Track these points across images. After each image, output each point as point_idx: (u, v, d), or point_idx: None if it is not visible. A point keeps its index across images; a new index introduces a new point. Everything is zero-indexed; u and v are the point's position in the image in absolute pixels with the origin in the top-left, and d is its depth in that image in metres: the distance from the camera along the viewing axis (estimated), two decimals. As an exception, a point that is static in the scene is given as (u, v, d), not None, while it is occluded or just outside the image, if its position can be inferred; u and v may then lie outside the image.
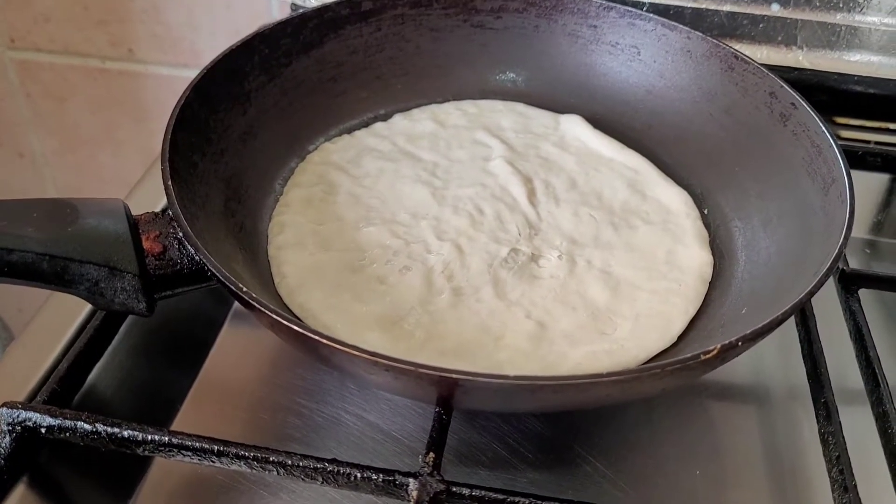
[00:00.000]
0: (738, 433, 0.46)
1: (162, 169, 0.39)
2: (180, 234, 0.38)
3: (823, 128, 0.46)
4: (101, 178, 0.97)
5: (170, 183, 0.39)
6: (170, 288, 0.39)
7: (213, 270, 0.35)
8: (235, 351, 0.48)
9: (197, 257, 0.37)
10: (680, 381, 0.38)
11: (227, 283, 0.34)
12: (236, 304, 0.51)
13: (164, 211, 0.40)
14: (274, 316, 0.33)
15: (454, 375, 0.31)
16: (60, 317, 0.46)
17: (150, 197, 0.55)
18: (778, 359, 0.50)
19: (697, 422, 0.46)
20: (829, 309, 0.50)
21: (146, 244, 0.38)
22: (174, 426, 0.43)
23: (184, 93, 0.45)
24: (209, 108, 0.47)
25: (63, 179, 0.98)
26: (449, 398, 0.35)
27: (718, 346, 0.33)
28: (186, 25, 0.82)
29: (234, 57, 0.50)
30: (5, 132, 0.94)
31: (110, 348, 0.44)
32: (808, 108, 0.47)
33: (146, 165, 0.94)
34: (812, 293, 0.36)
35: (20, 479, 0.39)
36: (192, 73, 0.84)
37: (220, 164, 0.46)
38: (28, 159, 0.96)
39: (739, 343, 0.33)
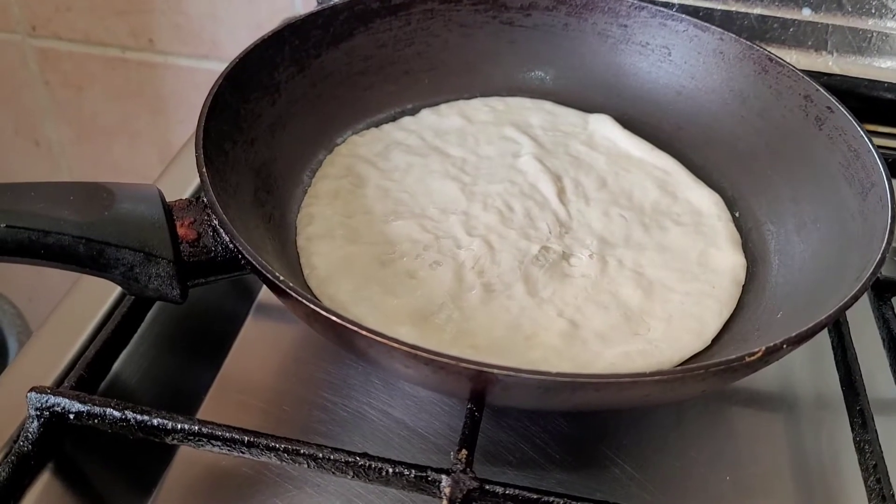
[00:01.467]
0: (766, 440, 0.45)
1: (196, 156, 0.39)
2: (215, 221, 0.37)
3: (861, 132, 0.45)
4: (116, 168, 0.96)
5: (204, 170, 0.38)
6: (203, 275, 0.38)
7: (250, 258, 0.35)
8: (258, 344, 0.48)
9: (232, 245, 0.37)
10: (722, 382, 0.37)
11: (264, 272, 0.34)
12: (259, 297, 0.51)
13: (197, 198, 0.39)
14: (311, 305, 0.33)
15: (495, 371, 0.31)
16: (85, 304, 0.45)
17: (174, 186, 0.54)
18: (807, 366, 0.49)
19: (725, 428, 0.46)
20: (861, 317, 0.49)
21: (181, 231, 0.37)
22: (198, 417, 0.42)
23: (216, 81, 0.44)
24: (240, 97, 0.46)
25: (78, 169, 0.97)
26: (484, 394, 0.35)
27: (763, 348, 0.32)
28: (208, 17, 0.82)
29: (265, 47, 0.49)
30: (23, 120, 0.94)
31: (135, 338, 0.44)
32: (846, 112, 0.47)
33: (162, 156, 0.95)
34: (856, 298, 0.35)
35: (46, 465, 0.38)
36: (211, 65, 0.85)
37: (250, 154, 0.46)
38: (44, 147, 0.96)
39: (784, 346, 0.33)
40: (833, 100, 0.48)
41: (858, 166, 0.44)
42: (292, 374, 0.46)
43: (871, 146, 0.44)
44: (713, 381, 0.33)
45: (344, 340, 0.35)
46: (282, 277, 0.34)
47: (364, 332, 0.32)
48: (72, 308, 0.45)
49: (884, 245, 0.38)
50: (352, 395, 0.45)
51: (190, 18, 0.83)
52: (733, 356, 0.32)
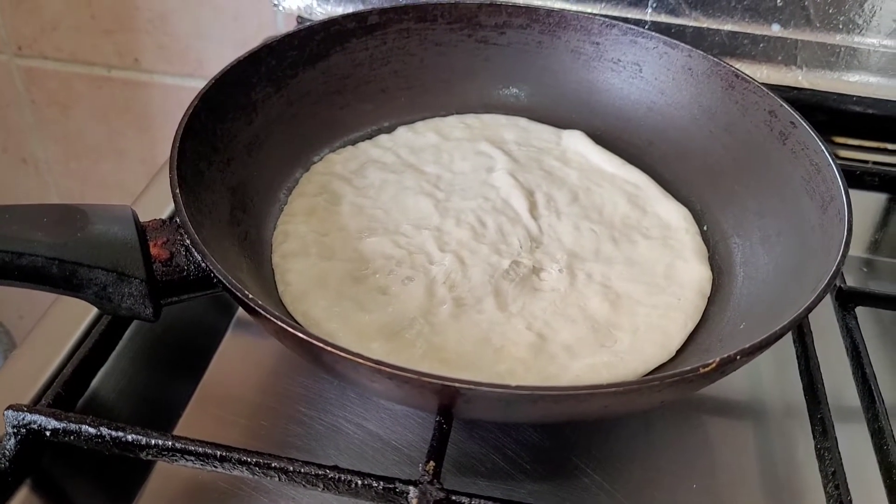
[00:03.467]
0: (734, 448, 0.46)
1: (170, 177, 0.40)
2: (187, 241, 0.38)
3: (822, 147, 0.46)
4: (103, 185, 0.97)
5: (178, 191, 0.39)
6: (176, 294, 0.39)
7: (220, 277, 0.35)
8: (237, 359, 0.49)
9: (203, 264, 0.37)
10: (678, 393, 0.38)
11: (234, 290, 0.35)
12: (238, 313, 0.52)
13: (171, 218, 0.40)
14: (279, 323, 0.34)
15: (457, 384, 0.32)
16: (65, 322, 0.46)
17: (156, 204, 0.55)
18: (775, 375, 0.50)
19: (694, 436, 0.47)
20: (826, 327, 0.50)
21: (154, 250, 0.38)
22: (176, 432, 0.43)
23: (192, 102, 0.45)
24: (216, 118, 0.47)
25: (65, 186, 0.98)
26: (450, 407, 0.36)
27: (717, 359, 0.33)
28: (193, 36, 0.83)
29: (242, 68, 0.50)
30: (10, 138, 0.95)
31: (114, 354, 0.45)
32: (808, 127, 0.48)
33: (149, 174, 0.95)
34: (810, 309, 0.36)
35: (24, 481, 0.39)
36: (197, 83, 0.86)
37: (226, 173, 0.47)
38: (31, 165, 0.97)
39: (738, 357, 0.34)
40: (796, 115, 0.49)
41: (819, 180, 0.46)
42: (270, 388, 0.47)
43: (830, 160, 0.45)
44: (670, 391, 0.34)
45: (313, 357, 0.36)
46: (251, 295, 0.35)
47: (330, 349, 0.33)
48: (51, 326, 0.46)
49: (838, 258, 0.39)
50: (328, 409, 0.46)
51: (175, 38, 0.84)
52: (688, 367, 0.33)
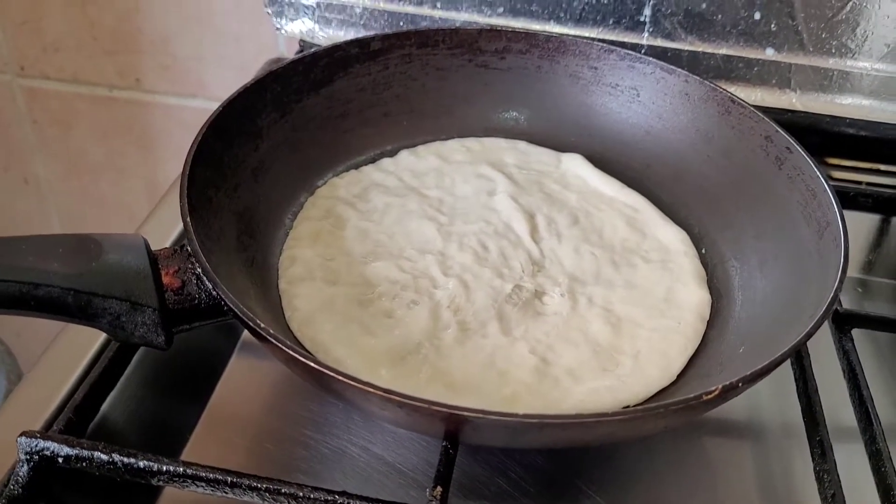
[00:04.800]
0: (734, 470, 0.47)
1: (181, 204, 0.41)
2: (199, 269, 0.39)
3: (818, 172, 0.47)
4: (103, 204, 0.98)
5: (188, 219, 0.40)
6: (187, 322, 0.40)
7: (231, 306, 0.36)
8: (243, 383, 0.49)
9: (215, 292, 0.38)
10: (681, 419, 0.39)
11: (245, 319, 0.36)
12: (243, 337, 0.53)
13: (181, 247, 0.41)
14: (290, 352, 0.34)
15: (465, 413, 0.33)
16: (74, 348, 0.47)
17: (162, 230, 0.56)
18: (773, 397, 0.51)
19: (695, 458, 0.47)
20: (822, 348, 0.51)
21: (166, 279, 0.39)
22: (183, 456, 0.44)
23: (201, 129, 0.46)
24: (224, 144, 0.48)
25: (66, 205, 0.99)
26: (457, 433, 0.36)
27: (720, 387, 0.34)
28: (194, 57, 0.84)
29: (248, 94, 0.51)
30: (11, 158, 0.96)
31: (122, 380, 0.45)
32: (803, 153, 0.49)
33: (149, 192, 0.96)
34: (809, 335, 0.37)
35: (35, 508, 0.39)
36: (198, 104, 0.87)
37: (233, 199, 0.47)
38: (32, 185, 0.97)
39: (740, 384, 0.35)
40: (791, 140, 0.50)
41: (815, 205, 0.47)
42: (275, 411, 0.48)
43: (826, 186, 0.46)
44: (673, 418, 0.35)
45: (323, 384, 0.36)
46: (262, 324, 0.35)
47: (340, 378, 0.33)
48: (60, 353, 0.46)
49: (836, 284, 0.40)
50: (333, 432, 0.46)
51: (177, 59, 0.85)
52: (692, 395, 0.34)
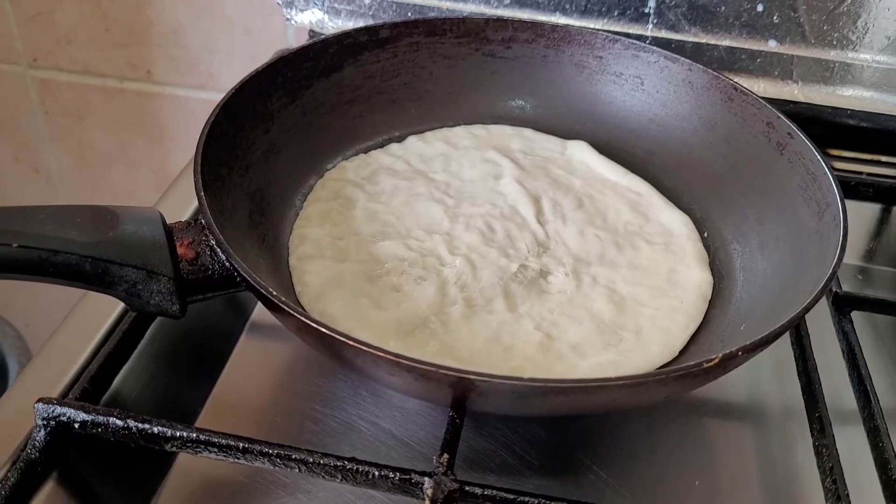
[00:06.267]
0: (734, 448, 0.48)
1: (195, 180, 0.42)
2: (212, 241, 0.40)
3: (818, 156, 0.48)
4: (113, 194, 0.99)
5: (202, 193, 0.41)
6: (201, 292, 0.41)
7: (245, 275, 0.37)
8: (252, 360, 0.50)
9: (228, 263, 0.39)
10: (683, 388, 0.40)
11: (259, 287, 0.36)
12: (253, 316, 0.54)
13: (195, 220, 0.42)
14: (303, 318, 0.35)
15: (472, 377, 0.33)
16: (89, 321, 0.48)
17: (173, 210, 0.57)
18: (774, 378, 0.52)
19: (696, 436, 0.48)
20: (823, 333, 0.52)
21: (180, 250, 0.40)
22: (195, 427, 0.45)
23: (214, 110, 0.47)
24: (236, 126, 0.49)
25: (77, 195, 1.00)
26: (464, 400, 0.37)
27: (720, 355, 0.35)
28: (204, 49, 0.85)
29: (260, 79, 0.52)
30: (23, 148, 0.97)
31: (135, 353, 0.46)
32: (804, 138, 0.50)
33: (158, 183, 0.97)
34: (808, 309, 0.38)
35: (51, 473, 0.40)
36: (207, 95, 0.88)
37: (245, 179, 0.49)
38: (43, 175, 0.99)
39: (739, 353, 0.35)
40: (793, 126, 0.51)
41: (815, 188, 0.47)
42: (285, 387, 0.49)
43: (826, 169, 0.47)
44: (674, 386, 0.36)
45: (333, 351, 0.37)
46: (274, 292, 0.36)
47: (352, 343, 0.34)
48: (76, 325, 0.47)
49: (835, 261, 0.41)
50: (342, 406, 0.47)
51: (187, 51, 0.86)
52: (693, 363, 0.35)
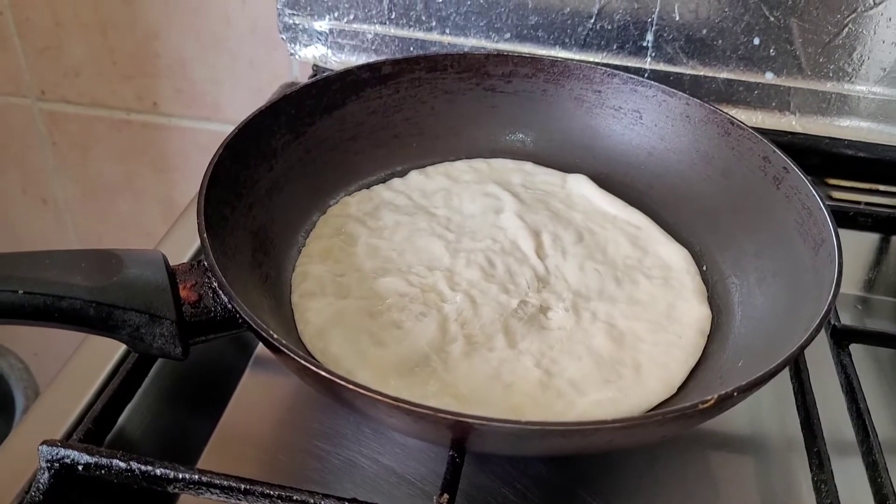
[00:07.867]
0: (736, 482, 0.48)
1: (198, 222, 0.42)
2: (215, 283, 0.40)
3: (813, 190, 0.49)
4: (120, 225, 1.00)
5: (205, 235, 0.42)
6: (204, 334, 0.41)
7: (246, 318, 0.38)
8: (255, 397, 0.51)
9: (230, 306, 0.40)
10: (679, 428, 0.40)
11: (260, 331, 0.37)
12: (256, 352, 0.54)
13: (198, 262, 0.43)
14: (303, 362, 0.36)
15: (469, 420, 0.34)
16: (93, 361, 0.48)
17: (178, 247, 0.58)
18: (775, 411, 0.52)
19: (697, 470, 0.48)
20: (823, 364, 0.52)
21: (183, 293, 0.40)
22: (198, 466, 0.45)
23: (217, 150, 0.48)
24: (240, 165, 0.50)
25: (84, 226, 1.01)
26: (463, 441, 0.38)
27: (716, 396, 0.35)
28: (210, 81, 0.86)
29: (263, 117, 0.53)
30: (31, 179, 0.98)
31: (139, 392, 0.46)
32: (799, 172, 0.50)
33: (165, 213, 0.98)
34: (803, 347, 0.38)
35: (55, 514, 0.41)
36: (213, 126, 0.89)
37: (248, 217, 0.49)
38: (51, 205, 1.00)
39: (735, 394, 0.36)
40: (788, 161, 0.51)
41: (811, 223, 0.48)
42: (288, 424, 0.49)
43: (821, 204, 0.48)
44: (671, 427, 0.36)
45: (334, 392, 0.38)
46: (276, 335, 0.37)
47: (351, 387, 0.35)
48: (80, 365, 0.48)
49: (830, 298, 0.41)
50: (344, 443, 0.47)
51: (193, 83, 0.87)
52: (688, 404, 0.35)
